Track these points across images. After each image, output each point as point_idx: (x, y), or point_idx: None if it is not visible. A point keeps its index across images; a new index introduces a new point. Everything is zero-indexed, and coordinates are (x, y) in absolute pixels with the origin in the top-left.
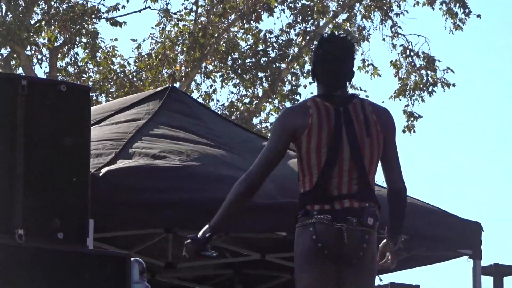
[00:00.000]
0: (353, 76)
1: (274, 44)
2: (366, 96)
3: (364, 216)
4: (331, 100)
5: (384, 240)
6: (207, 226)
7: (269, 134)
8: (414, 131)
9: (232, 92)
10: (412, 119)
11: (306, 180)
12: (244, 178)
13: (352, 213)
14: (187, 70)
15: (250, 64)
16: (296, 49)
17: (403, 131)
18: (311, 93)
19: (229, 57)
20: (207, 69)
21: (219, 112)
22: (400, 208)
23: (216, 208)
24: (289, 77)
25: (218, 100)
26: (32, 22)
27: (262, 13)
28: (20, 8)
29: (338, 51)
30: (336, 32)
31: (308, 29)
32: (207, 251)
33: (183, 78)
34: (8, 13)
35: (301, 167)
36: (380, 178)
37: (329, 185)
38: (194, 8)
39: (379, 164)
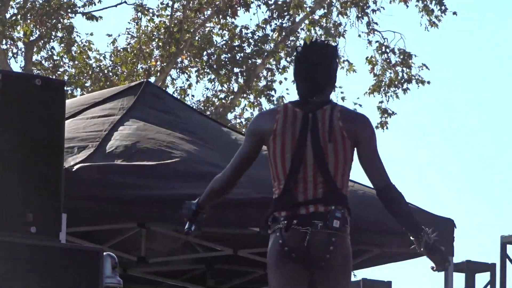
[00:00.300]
0: (333, 82)
1: (250, 40)
2: (341, 92)
3: (330, 219)
4: (302, 105)
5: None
6: (196, 199)
7: (244, 130)
8: (387, 128)
9: (207, 88)
10: (385, 115)
11: (275, 185)
12: (219, 177)
13: (318, 217)
14: (162, 65)
15: (226, 59)
16: (272, 45)
17: (376, 127)
18: (287, 89)
19: (205, 52)
20: (183, 64)
21: (194, 107)
22: (395, 208)
23: None
24: (265, 72)
25: (193, 95)
26: (8, 16)
27: (238, 8)
28: None
29: (312, 58)
30: (318, 38)
31: (284, 25)
32: (190, 227)
33: (159, 73)
34: None
35: (271, 171)
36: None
37: (295, 191)
38: (170, 3)
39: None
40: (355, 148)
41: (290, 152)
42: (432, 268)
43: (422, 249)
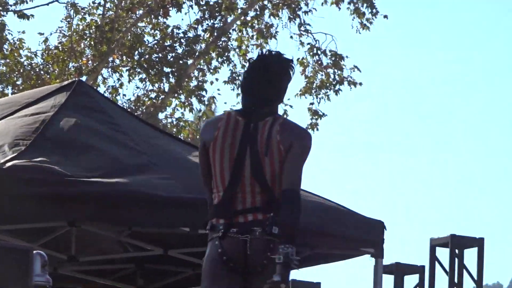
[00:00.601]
0: (280, 97)
1: (182, 40)
2: None
3: (268, 226)
4: (245, 115)
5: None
6: None
7: (174, 129)
8: (318, 129)
9: (138, 87)
10: (316, 117)
11: (215, 192)
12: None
13: (257, 224)
14: (94, 64)
15: (157, 59)
16: (203, 45)
17: (307, 128)
18: (218, 89)
19: (136, 52)
20: (114, 64)
21: (125, 107)
22: (288, 210)
23: (120, 202)
24: (196, 73)
25: (124, 95)
26: None
27: (170, 8)
28: None
29: (257, 71)
30: (272, 51)
31: (216, 25)
32: None
33: (90, 72)
34: None
35: (213, 179)
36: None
37: (234, 200)
38: (102, 2)
39: None
40: None
41: (228, 162)
42: (272, 280)
43: (280, 259)
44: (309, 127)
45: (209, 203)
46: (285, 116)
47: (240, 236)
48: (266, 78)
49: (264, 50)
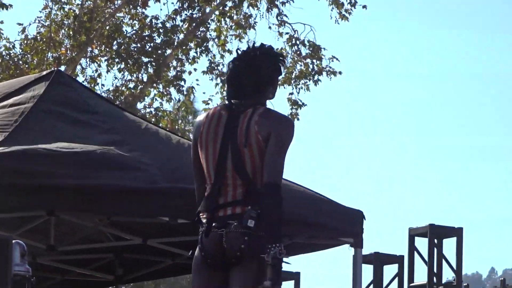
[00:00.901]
0: (263, 87)
1: (160, 30)
2: None
3: (244, 219)
4: (229, 108)
5: None
6: None
7: (153, 119)
8: (298, 119)
9: (116, 77)
10: (296, 107)
11: (206, 186)
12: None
13: (233, 218)
14: (72, 54)
15: (136, 49)
16: (181, 36)
17: None
18: (197, 79)
19: (115, 42)
20: (93, 53)
21: (104, 96)
22: (268, 206)
23: (100, 192)
24: (174, 63)
25: (103, 85)
26: None
27: None
28: None
29: (239, 63)
30: (257, 44)
31: (194, 15)
32: None
33: (69, 62)
34: None
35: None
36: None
37: (217, 194)
38: None
39: None
40: None
41: (212, 156)
42: (263, 284)
43: (268, 259)
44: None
45: (197, 196)
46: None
47: (218, 230)
48: (247, 70)
49: (252, 43)
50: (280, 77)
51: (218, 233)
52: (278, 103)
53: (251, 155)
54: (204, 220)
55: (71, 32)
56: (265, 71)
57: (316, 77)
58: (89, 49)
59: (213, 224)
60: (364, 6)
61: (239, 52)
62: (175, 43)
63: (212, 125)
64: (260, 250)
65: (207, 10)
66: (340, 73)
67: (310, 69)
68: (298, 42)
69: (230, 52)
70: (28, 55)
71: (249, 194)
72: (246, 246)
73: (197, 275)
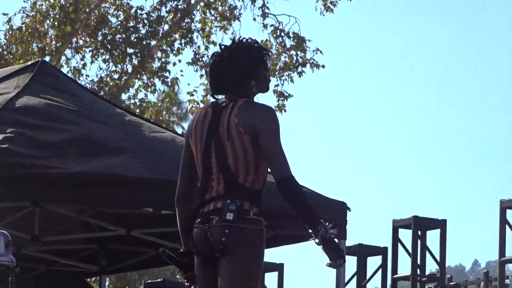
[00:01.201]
0: (243, 81)
1: (145, 21)
2: None
3: (224, 213)
4: (214, 105)
5: None
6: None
7: (137, 110)
8: (285, 111)
9: (101, 68)
10: (282, 98)
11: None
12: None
13: (215, 212)
14: (57, 44)
15: (120, 40)
16: (166, 27)
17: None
18: (181, 70)
19: (100, 32)
20: (78, 44)
21: (88, 87)
22: (291, 201)
23: (84, 182)
24: (159, 54)
25: (87, 75)
26: None
27: None
28: None
29: (216, 59)
30: (247, 39)
31: (179, 6)
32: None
33: (53, 53)
34: None
35: None
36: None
37: (205, 190)
38: None
39: None
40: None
41: (200, 153)
42: (326, 264)
43: (318, 242)
44: (277, 108)
45: (176, 193)
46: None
47: (202, 226)
48: (226, 65)
49: (235, 38)
50: (266, 70)
51: (202, 229)
52: (265, 95)
53: (233, 148)
54: (197, 218)
55: (56, 23)
56: (245, 65)
57: (300, 69)
58: (74, 39)
59: (197, 220)
60: None
61: (221, 47)
62: (160, 34)
63: (199, 123)
64: (243, 240)
65: (192, 1)
66: (323, 66)
67: (294, 61)
68: (282, 34)
69: (214, 43)
70: (13, 45)
71: (230, 187)
72: (227, 239)
73: (196, 272)
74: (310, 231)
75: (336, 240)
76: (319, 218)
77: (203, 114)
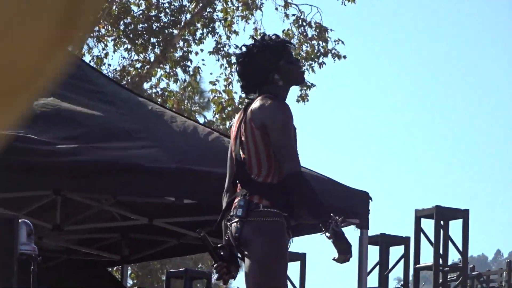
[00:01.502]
0: (264, 78)
1: (167, 10)
2: None
3: (235, 210)
4: (246, 104)
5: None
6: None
7: (159, 99)
8: (308, 100)
9: (123, 57)
10: (305, 88)
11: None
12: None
13: (233, 210)
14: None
15: (143, 29)
16: (188, 16)
17: (297, 101)
18: (203, 59)
19: (122, 21)
20: (100, 33)
21: (111, 77)
22: (299, 195)
23: (106, 171)
24: (181, 43)
25: (110, 65)
26: None
27: None
28: None
29: (241, 57)
30: (259, 36)
31: None
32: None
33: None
34: None
35: None
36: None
37: (231, 189)
38: None
39: None
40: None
41: (230, 151)
42: (334, 258)
43: (328, 236)
44: (300, 99)
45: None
46: None
47: (228, 223)
48: (246, 62)
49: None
50: (290, 63)
51: (227, 226)
52: None
53: (247, 145)
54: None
55: None
56: (263, 60)
57: (321, 59)
58: (96, 28)
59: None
60: None
61: (243, 47)
62: (182, 24)
63: (234, 123)
64: (255, 234)
65: None
66: (344, 57)
67: (315, 51)
68: (304, 23)
69: (236, 33)
70: None
71: (245, 184)
72: (239, 234)
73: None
74: (320, 225)
75: (345, 234)
76: (329, 212)
77: (238, 114)
